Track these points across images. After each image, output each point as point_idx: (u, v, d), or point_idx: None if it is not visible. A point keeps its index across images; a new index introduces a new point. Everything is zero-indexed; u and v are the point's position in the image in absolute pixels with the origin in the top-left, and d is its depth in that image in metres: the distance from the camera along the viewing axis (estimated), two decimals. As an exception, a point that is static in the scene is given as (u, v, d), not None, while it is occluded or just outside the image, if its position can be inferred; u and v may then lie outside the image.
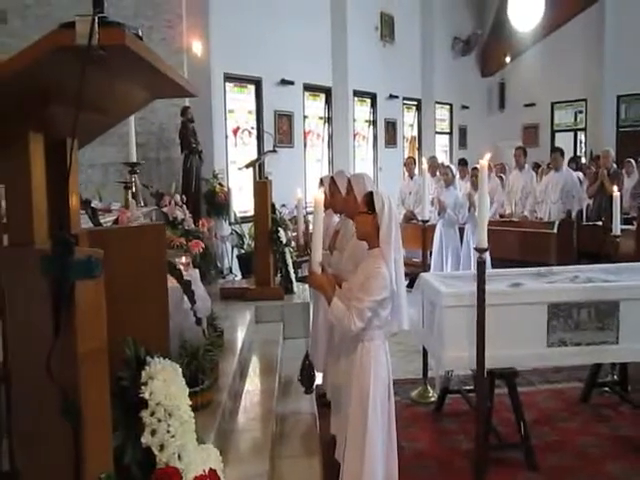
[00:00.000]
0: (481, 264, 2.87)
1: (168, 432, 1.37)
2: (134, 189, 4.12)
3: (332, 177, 3.53)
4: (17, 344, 1.15)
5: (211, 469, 1.57)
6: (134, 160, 4.06)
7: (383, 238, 2.52)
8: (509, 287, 3.63)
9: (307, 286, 6.53)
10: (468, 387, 4.37)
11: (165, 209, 4.10)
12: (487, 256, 4.92)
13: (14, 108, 1.06)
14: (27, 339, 1.11)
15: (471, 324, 3.28)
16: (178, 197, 4.22)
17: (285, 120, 9.45)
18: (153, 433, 1.36)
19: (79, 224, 1.24)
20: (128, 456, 1.33)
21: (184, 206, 4.24)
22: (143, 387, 1.34)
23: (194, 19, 7.40)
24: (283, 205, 7.82)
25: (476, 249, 2.87)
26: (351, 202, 3.18)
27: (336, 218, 3.86)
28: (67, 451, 1.05)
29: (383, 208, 2.53)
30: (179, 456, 1.40)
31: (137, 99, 1.40)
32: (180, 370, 1.45)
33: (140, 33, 1.14)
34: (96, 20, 0.99)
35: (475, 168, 7.06)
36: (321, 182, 4.23)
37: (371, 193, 2.64)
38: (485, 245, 2.82)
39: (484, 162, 2.87)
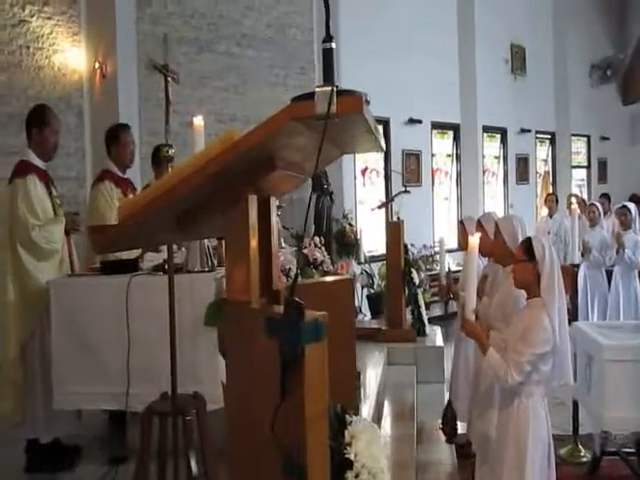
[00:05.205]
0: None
1: (372, 494, 1.35)
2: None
3: (479, 220, 3.43)
4: (235, 398, 1.20)
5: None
6: (277, 204, 4.21)
7: (545, 287, 2.37)
8: (683, 341, 3.25)
9: (437, 328, 6.38)
10: (629, 449, 3.93)
11: (305, 250, 4.21)
12: None
13: (244, 175, 1.14)
14: (246, 394, 1.15)
15: (637, 381, 2.97)
16: (317, 239, 4.32)
17: (413, 159, 9.42)
18: (357, 495, 1.34)
19: (279, 279, 1.29)
20: None
21: (322, 247, 4.33)
22: (348, 447, 1.33)
23: (326, 65, 7.68)
24: (412, 244, 7.74)
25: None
26: (499, 247, 3.05)
27: (479, 262, 3.71)
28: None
29: (544, 255, 2.38)
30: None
31: (332, 156, 1.45)
32: (379, 431, 1.43)
33: (368, 98, 1.18)
34: (335, 91, 1.05)
35: (624, 206, 6.51)
36: (461, 224, 4.11)
37: (529, 239, 2.50)
38: (660, 295, 2.55)
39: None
